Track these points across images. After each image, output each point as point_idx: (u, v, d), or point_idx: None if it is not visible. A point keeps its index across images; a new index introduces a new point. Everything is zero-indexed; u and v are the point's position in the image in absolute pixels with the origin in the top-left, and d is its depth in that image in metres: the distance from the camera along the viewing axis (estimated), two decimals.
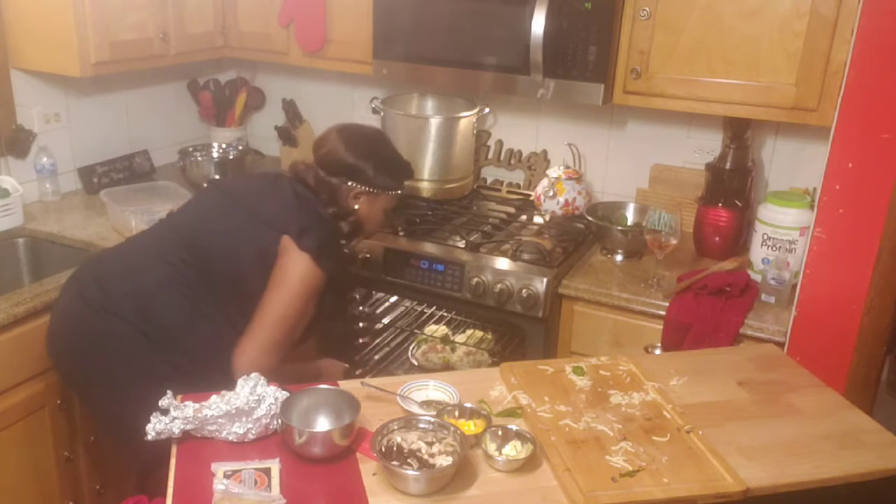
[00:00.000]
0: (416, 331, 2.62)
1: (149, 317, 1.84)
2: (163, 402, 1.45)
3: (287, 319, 1.82)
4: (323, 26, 2.70)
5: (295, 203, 1.93)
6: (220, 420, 1.43)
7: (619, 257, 2.44)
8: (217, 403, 1.44)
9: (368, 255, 2.40)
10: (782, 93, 2.14)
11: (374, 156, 1.99)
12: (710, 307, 2.12)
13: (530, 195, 2.79)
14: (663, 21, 2.23)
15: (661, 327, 2.16)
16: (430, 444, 1.39)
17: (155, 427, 1.43)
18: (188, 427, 1.44)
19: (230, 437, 1.45)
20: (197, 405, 1.45)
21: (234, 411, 1.43)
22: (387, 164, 2.01)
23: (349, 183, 1.96)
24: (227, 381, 1.70)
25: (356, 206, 1.98)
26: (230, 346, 1.81)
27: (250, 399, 1.44)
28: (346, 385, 1.58)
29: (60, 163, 2.75)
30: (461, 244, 2.42)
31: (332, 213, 1.94)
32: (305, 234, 1.83)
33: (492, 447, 1.41)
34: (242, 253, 1.86)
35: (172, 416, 1.43)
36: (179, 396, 1.50)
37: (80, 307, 1.91)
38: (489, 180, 2.99)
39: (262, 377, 1.50)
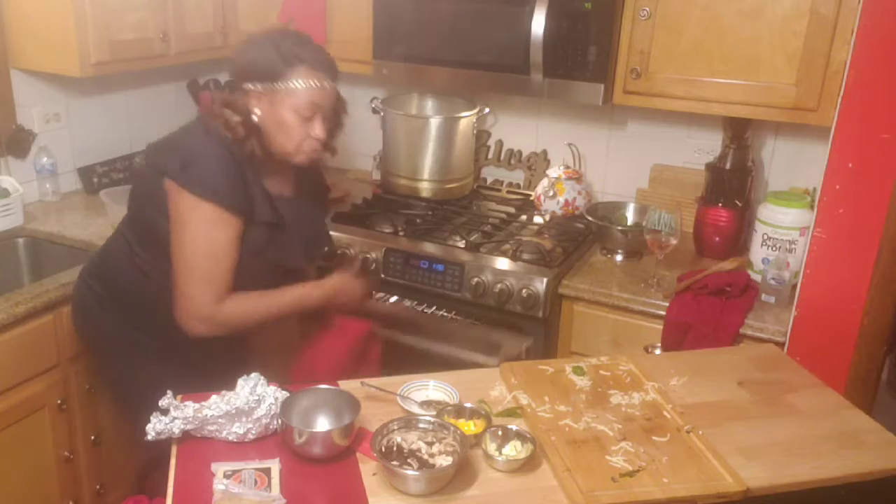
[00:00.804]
0: None
1: (105, 282, 1.95)
2: (163, 402, 1.44)
3: (197, 263, 1.72)
4: (323, 26, 2.70)
5: (179, 138, 1.81)
6: (219, 420, 1.43)
7: (619, 257, 2.44)
8: (217, 403, 1.44)
9: (369, 255, 2.40)
10: (782, 93, 2.14)
11: (268, 41, 1.76)
12: (709, 307, 2.12)
13: (530, 195, 2.79)
14: (663, 21, 2.23)
15: (661, 327, 2.16)
16: (430, 444, 1.39)
17: (155, 427, 1.43)
18: (188, 427, 1.44)
19: (230, 437, 1.45)
20: (197, 405, 1.45)
21: (233, 411, 1.43)
22: (279, 46, 1.74)
23: (245, 86, 1.76)
24: (196, 343, 1.77)
25: (258, 112, 1.75)
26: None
27: (250, 399, 1.44)
28: (346, 385, 1.58)
29: (60, 163, 2.75)
30: (461, 244, 2.42)
31: (227, 135, 1.74)
32: (183, 170, 1.71)
33: (492, 447, 1.41)
34: (144, 205, 1.84)
35: (172, 416, 1.43)
36: (179, 396, 1.49)
37: (77, 283, 2.06)
38: (489, 180, 2.99)
39: (263, 377, 1.50)
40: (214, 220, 1.71)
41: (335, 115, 1.87)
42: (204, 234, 1.71)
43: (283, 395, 1.49)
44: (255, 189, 1.78)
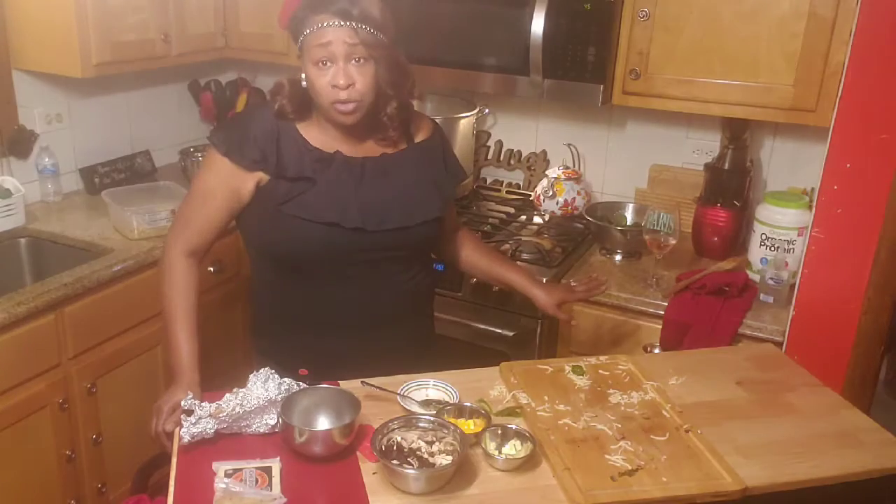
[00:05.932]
0: None
1: None
2: (185, 403, 1.44)
3: (186, 200, 1.74)
4: None
5: None
6: (250, 414, 1.44)
7: (618, 257, 2.45)
8: (247, 397, 1.44)
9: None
10: (781, 93, 2.15)
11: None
12: (708, 307, 2.12)
13: (530, 195, 2.80)
14: (662, 22, 2.24)
15: (660, 327, 2.17)
16: (430, 444, 1.40)
17: (190, 431, 1.41)
18: (221, 426, 1.43)
19: (261, 430, 1.45)
20: (219, 403, 1.45)
21: (266, 403, 1.44)
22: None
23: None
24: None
25: (303, 76, 1.65)
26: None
27: (281, 389, 1.46)
28: (347, 384, 1.59)
29: (62, 163, 2.76)
30: None
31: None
32: (214, 130, 1.77)
33: (491, 446, 1.42)
34: None
35: (198, 416, 1.42)
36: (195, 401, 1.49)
37: None
38: (489, 180, 2.99)
39: (273, 371, 1.50)
40: (210, 164, 1.71)
41: (372, 61, 1.59)
42: (200, 175, 1.74)
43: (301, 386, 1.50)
44: (289, 148, 1.69)
